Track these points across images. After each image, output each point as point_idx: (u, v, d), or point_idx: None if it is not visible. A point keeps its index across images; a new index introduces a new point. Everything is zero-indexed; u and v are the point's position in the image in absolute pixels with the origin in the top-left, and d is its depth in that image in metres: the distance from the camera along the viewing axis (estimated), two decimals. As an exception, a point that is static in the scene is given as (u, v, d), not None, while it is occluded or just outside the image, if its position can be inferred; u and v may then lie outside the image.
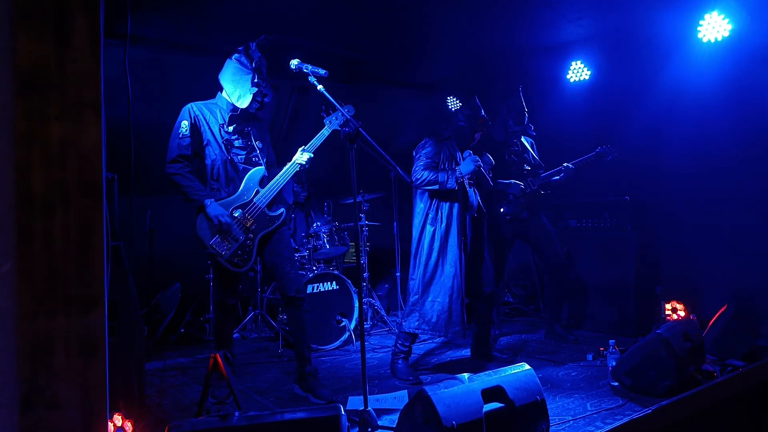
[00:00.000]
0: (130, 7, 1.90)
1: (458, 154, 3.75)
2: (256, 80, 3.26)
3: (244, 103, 3.26)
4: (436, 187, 3.57)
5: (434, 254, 3.65)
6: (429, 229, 3.68)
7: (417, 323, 3.65)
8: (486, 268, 3.86)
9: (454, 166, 3.65)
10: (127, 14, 1.84)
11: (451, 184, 3.54)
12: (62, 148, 1.39)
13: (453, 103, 6.36)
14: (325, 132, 3.36)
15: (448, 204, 3.67)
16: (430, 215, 3.69)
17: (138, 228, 5.03)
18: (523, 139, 4.66)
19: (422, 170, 3.59)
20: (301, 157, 3.35)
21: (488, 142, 4.53)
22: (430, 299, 3.64)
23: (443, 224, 3.65)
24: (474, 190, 3.79)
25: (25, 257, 1.33)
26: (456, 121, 3.85)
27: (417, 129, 5.85)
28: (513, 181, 4.40)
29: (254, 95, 3.27)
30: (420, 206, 3.74)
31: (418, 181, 3.61)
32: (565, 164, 4.48)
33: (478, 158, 3.62)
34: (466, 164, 3.58)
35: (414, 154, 3.77)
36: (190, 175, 3.19)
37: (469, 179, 3.70)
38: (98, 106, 1.44)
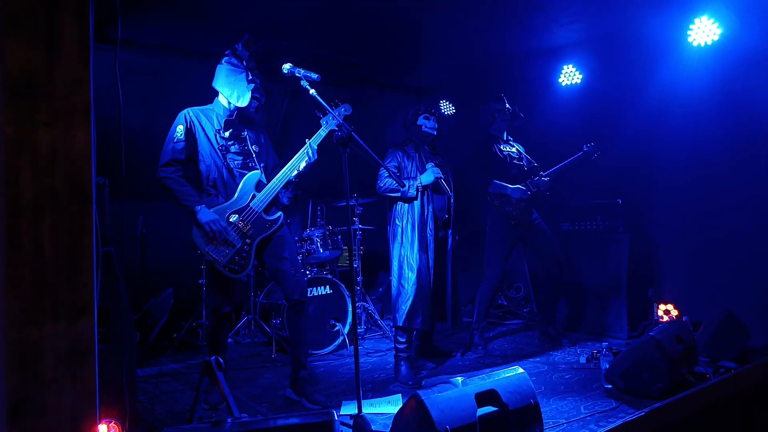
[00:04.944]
0: (121, 12, 1.89)
1: (426, 155, 3.95)
2: (250, 77, 3.25)
3: (244, 101, 3.25)
4: (397, 194, 3.79)
5: (400, 248, 3.79)
6: (397, 226, 3.86)
7: (393, 316, 3.80)
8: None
9: (418, 175, 3.83)
10: (118, 20, 1.83)
11: (412, 193, 3.76)
12: (51, 154, 1.38)
13: (446, 107, 6.37)
14: (321, 132, 3.32)
15: (410, 204, 3.83)
16: (398, 212, 3.87)
17: (130, 233, 5.00)
18: (515, 144, 4.67)
19: (385, 178, 3.79)
20: (307, 147, 3.30)
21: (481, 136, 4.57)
22: (398, 291, 3.77)
23: (408, 221, 3.81)
24: (446, 193, 3.94)
25: (13, 264, 1.32)
26: (407, 123, 4.07)
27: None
28: (518, 186, 4.40)
29: (252, 92, 3.27)
30: (392, 205, 3.95)
31: (381, 189, 3.85)
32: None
33: (439, 171, 3.85)
34: (427, 175, 3.81)
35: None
36: (182, 179, 3.16)
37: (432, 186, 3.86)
38: (88, 112, 1.43)
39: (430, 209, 3.82)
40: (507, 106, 4.54)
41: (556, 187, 4.62)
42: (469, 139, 4.69)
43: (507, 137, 4.66)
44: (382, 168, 3.75)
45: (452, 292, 3.99)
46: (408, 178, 3.80)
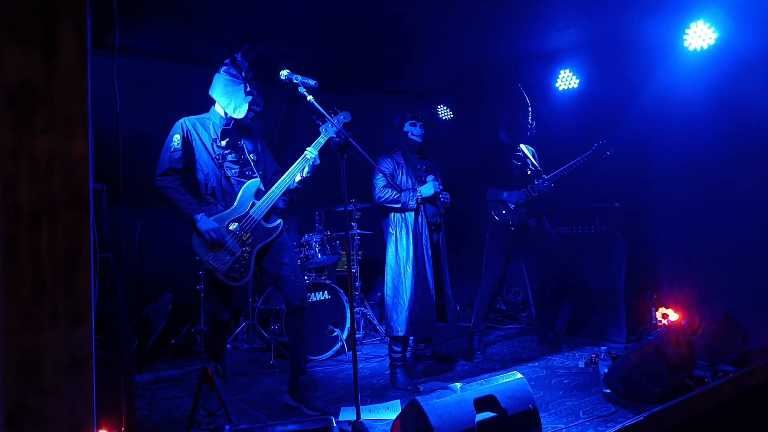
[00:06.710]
0: (119, 18, 1.89)
1: (414, 161, 3.97)
2: (248, 89, 3.24)
3: (240, 113, 3.24)
4: (398, 205, 3.78)
5: (395, 257, 3.79)
6: (390, 234, 3.86)
7: (385, 326, 3.80)
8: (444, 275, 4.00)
9: (414, 183, 3.84)
10: (116, 26, 1.83)
11: (412, 205, 3.77)
12: (49, 161, 1.38)
13: (444, 113, 6.39)
14: (321, 140, 3.32)
15: (404, 213, 3.83)
16: (392, 221, 3.87)
17: (128, 239, 4.99)
18: (524, 147, 4.65)
19: (383, 188, 3.77)
20: (308, 154, 3.31)
21: (495, 144, 4.57)
22: (393, 301, 3.75)
23: (402, 229, 3.81)
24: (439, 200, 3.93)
25: (11, 271, 1.32)
26: (394, 129, 4.06)
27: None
28: (514, 191, 4.37)
29: (249, 104, 3.26)
30: (386, 214, 3.93)
31: (381, 200, 3.82)
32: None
33: (439, 185, 3.87)
34: (427, 188, 3.82)
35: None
36: (181, 188, 3.16)
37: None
38: (86, 119, 1.43)
39: (424, 216, 3.83)
40: (531, 121, 4.49)
41: (556, 190, 4.59)
42: (467, 143, 4.68)
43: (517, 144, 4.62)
44: (377, 177, 3.76)
45: (451, 294, 3.99)
46: (404, 189, 3.79)
